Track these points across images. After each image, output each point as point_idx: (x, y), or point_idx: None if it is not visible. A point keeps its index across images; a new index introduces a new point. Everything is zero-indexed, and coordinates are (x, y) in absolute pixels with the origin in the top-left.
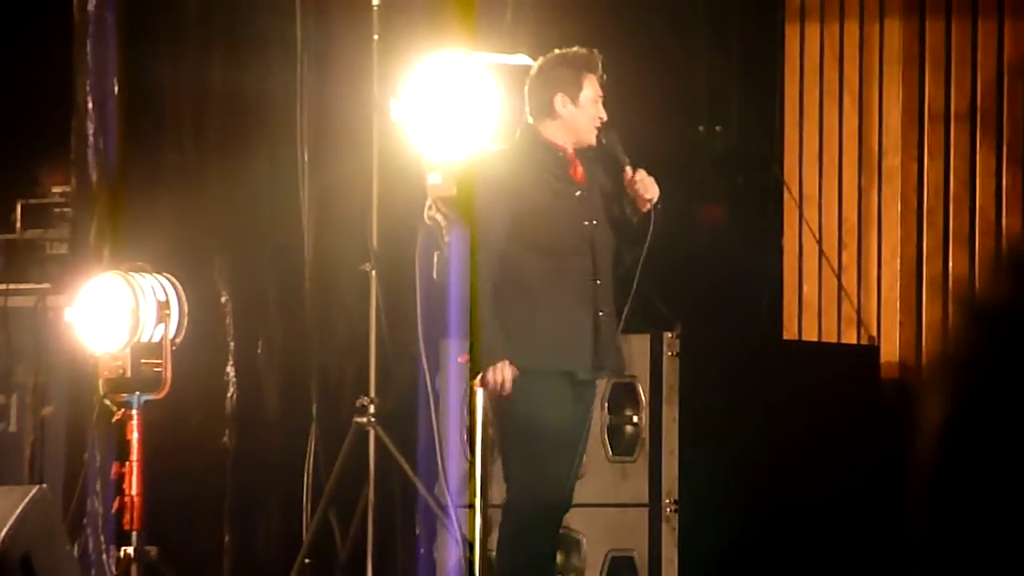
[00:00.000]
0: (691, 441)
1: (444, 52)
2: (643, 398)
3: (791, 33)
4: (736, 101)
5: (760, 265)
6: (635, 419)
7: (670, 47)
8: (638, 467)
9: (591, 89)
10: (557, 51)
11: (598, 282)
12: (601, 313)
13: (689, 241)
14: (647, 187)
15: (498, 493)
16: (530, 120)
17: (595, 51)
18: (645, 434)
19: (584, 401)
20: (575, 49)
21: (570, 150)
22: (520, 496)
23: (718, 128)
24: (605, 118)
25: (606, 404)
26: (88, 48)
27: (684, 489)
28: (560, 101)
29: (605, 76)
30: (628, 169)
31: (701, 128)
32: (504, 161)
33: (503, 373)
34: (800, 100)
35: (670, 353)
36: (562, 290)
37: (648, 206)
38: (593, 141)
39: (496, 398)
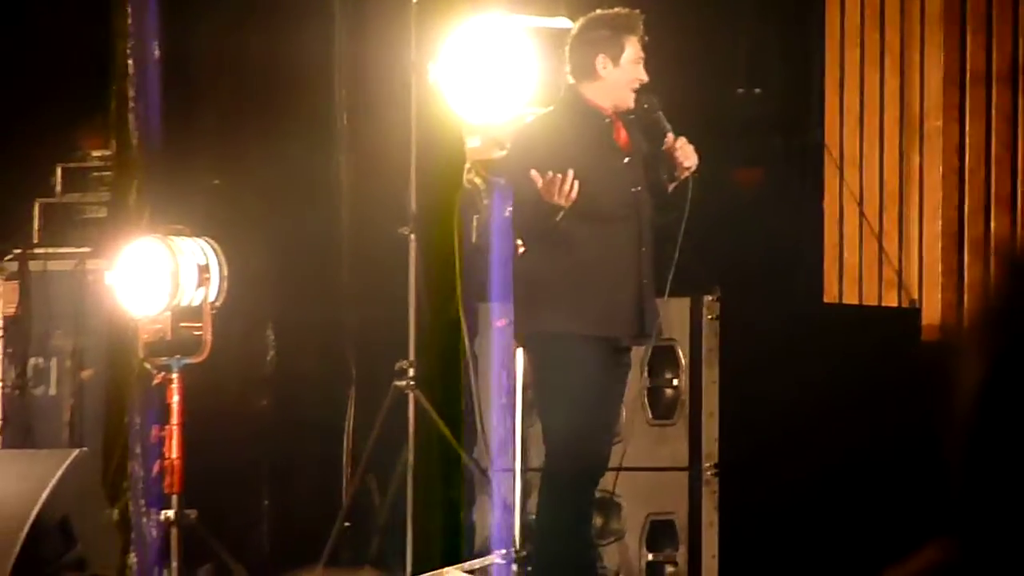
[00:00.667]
0: (731, 404)
1: (483, 15)
2: (683, 361)
3: None
4: (776, 63)
5: (800, 228)
6: (675, 382)
7: (710, 9)
8: (678, 430)
9: (632, 50)
10: (599, 11)
11: (643, 249)
12: (645, 280)
13: (729, 204)
14: (687, 154)
15: (538, 457)
16: (571, 81)
17: (637, 12)
18: (685, 397)
19: (623, 366)
20: (617, 10)
21: (611, 113)
22: (560, 460)
23: (757, 91)
24: (645, 79)
25: (646, 367)
26: (129, 12)
27: (724, 452)
28: (601, 62)
29: (647, 38)
30: (669, 135)
31: (740, 91)
32: (548, 125)
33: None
34: (840, 62)
35: (710, 316)
36: (608, 257)
37: (686, 174)
38: (631, 104)
39: (538, 364)
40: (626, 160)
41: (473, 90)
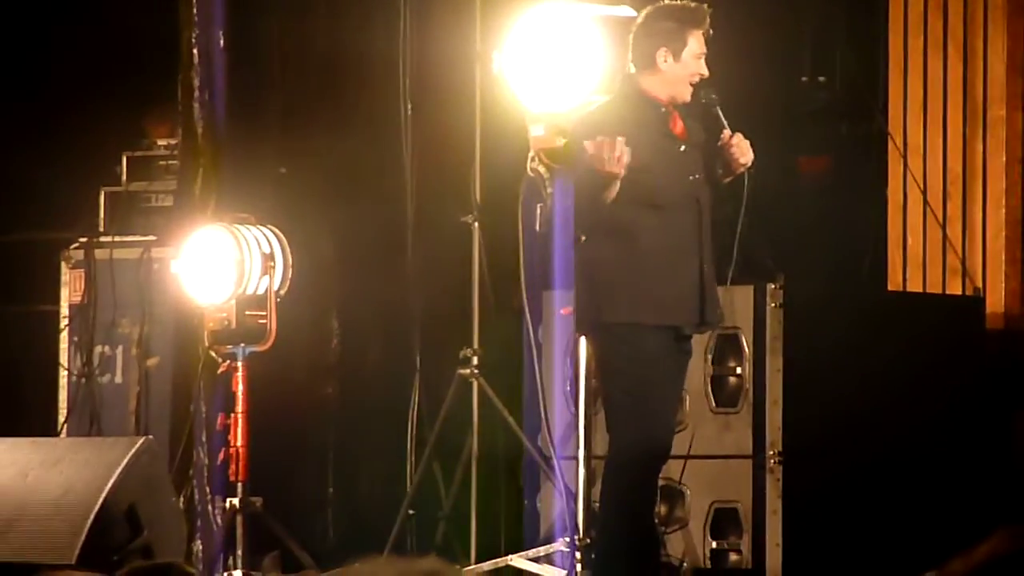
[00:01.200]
0: (795, 392)
1: (547, 3)
2: (746, 349)
3: None
4: (840, 51)
5: (864, 216)
6: (738, 370)
7: None
8: (742, 418)
9: (695, 45)
10: (666, 2)
11: (703, 237)
12: (705, 268)
13: (792, 191)
14: (743, 151)
15: (601, 445)
16: (632, 70)
17: (704, 6)
18: (748, 385)
19: (684, 354)
20: (684, 2)
21: (668, 104)
22: (623, 448)
23: (822, 79)
24: (705, 74)
25: (709, 355)
26: (194, 1)
27: (788, 440)
28: (662, 55)
29: (711, 31)
30: (726, 132)
31: (805, 79)
32: (606, 114)
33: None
34: (904, 50)
35: (773, 304)
36: (669, 245)
37: (741, 170)
38: (688, 98)
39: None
40: (683, 148)
41: (537, 79)
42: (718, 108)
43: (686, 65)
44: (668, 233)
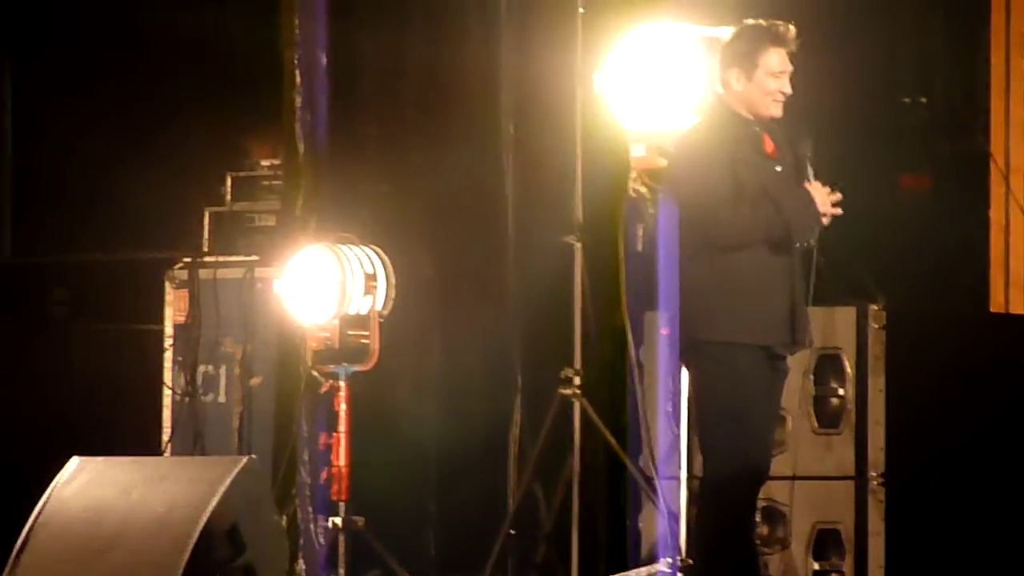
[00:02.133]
0: (897, 413)
1: (649, 23)
2: (848, 370)
3: (997, 1)
4: (941, 71)
5: (966, 236)
6: (840, 391)
7: (876, 19)
8: (844, 439)
9: (770, 63)
10: (745, 23)
11: (795, 257)
12: (797, 288)
13: (894, 212)
14: (822, 201)
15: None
16: (720, 91)
17: (781, 23)
18: (851, 406)
19: (779, 373)
20: (759, 22)
21: (759, 122)
22: (718, 469)
23: (923, 99)
24: (786, 91)
25: (811, 376)
26: (296, 21)
27: (890, 461)
28: (735, 76)
29: (793, 48)
30: (808, 183)
31: (906, 99)
32: (701, 134)
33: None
34: (1006, 71)
35: (876, 325)
36: (763, 265)
37: (825, 221)
38: (773, 113)
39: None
40: (778, 168)
41: (638, 99)
42: (808, 158)
43: (760, 84)
44: (765, 252)
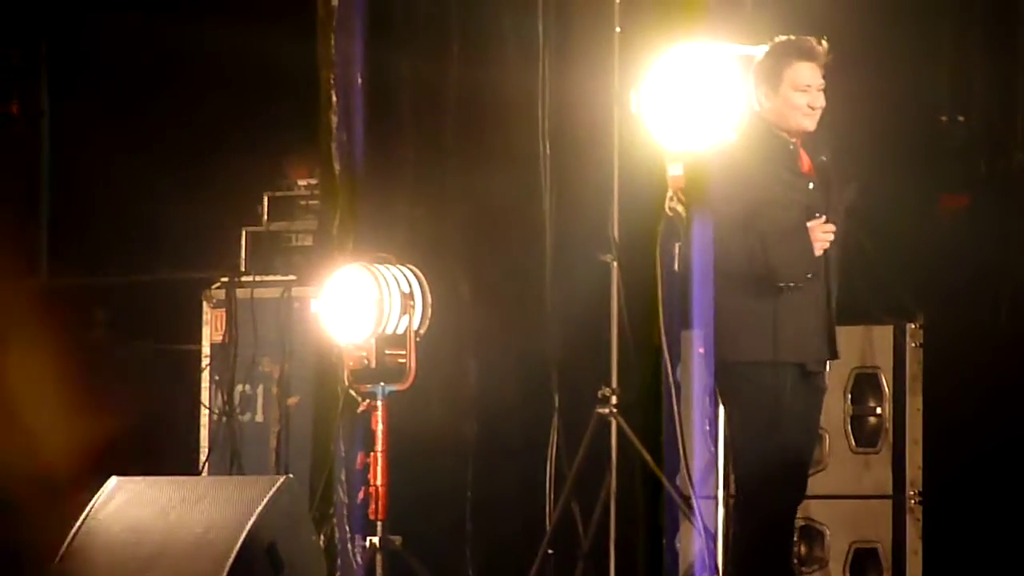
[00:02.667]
0: (935, 432)
1: (685, 43)
2: (886, 389)
3: None
4: (979, 90)
5: (1005, 255)
6: (878, 410)
7: (913, 38)
8: (882, 458)
9: (795, 77)
10: (775, 40)
11: (830, 274)
12: (832, 305)
13: (932, 231)
14: (820, 242)
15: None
16: (756, 108)
17: (807, 38)
18: (888, 425)
19: (815, 391)
20: (785, 38)
21: (796, 140)
22: (757, 488)
23: (961, 118)
24: (816, 105)
25: (848, 395)
26: (333, 42)
27: (928, 480)
28: (764, 92)
29: (824, 62)
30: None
31: (944, 118)
32: (736, 150)
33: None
34: None
35: (913, 344)
36: (797, 289)
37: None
38: (804, 127)
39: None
40: (811, 186)
41: (675, 118)
42: (845, 203)
43: (786, 97)
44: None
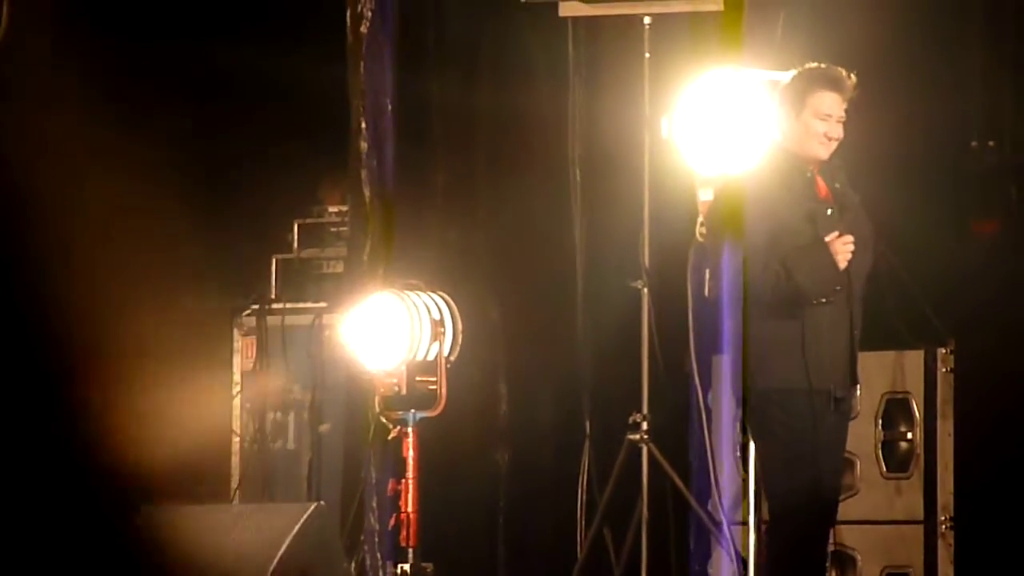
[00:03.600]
0: (966, 457)
1: (715, 69)
2: (917, 414)
3: None
4: (1009, 115)
5: None
6: (909, 435)
7: (943, 64)
8: (913, 483)
9: (818, 105)
10: (806, 65)
11: (853, 299)
12: (855, 331)
13: (963, 256)
14: (843, 254)
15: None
16: (776, 133)
17: (830, 67)
18: (920, 450)
19: (843, 416)
20: (814, 65)
21: (810, 166)
22: (787, 514)
23: (991, 143)
24: (833, 135)
25: (879, 420)
26: (362, 69)
27: (960, 505)
28: (784, 115)
29: (850, 95)
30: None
31: (974, 143)
32: (754, 176)
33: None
34: None
35: (944, 369)
36: (821, 308)
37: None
38: (818, 155)
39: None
40: (828, 212)
41: (706, 144)
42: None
43: (806, 124)
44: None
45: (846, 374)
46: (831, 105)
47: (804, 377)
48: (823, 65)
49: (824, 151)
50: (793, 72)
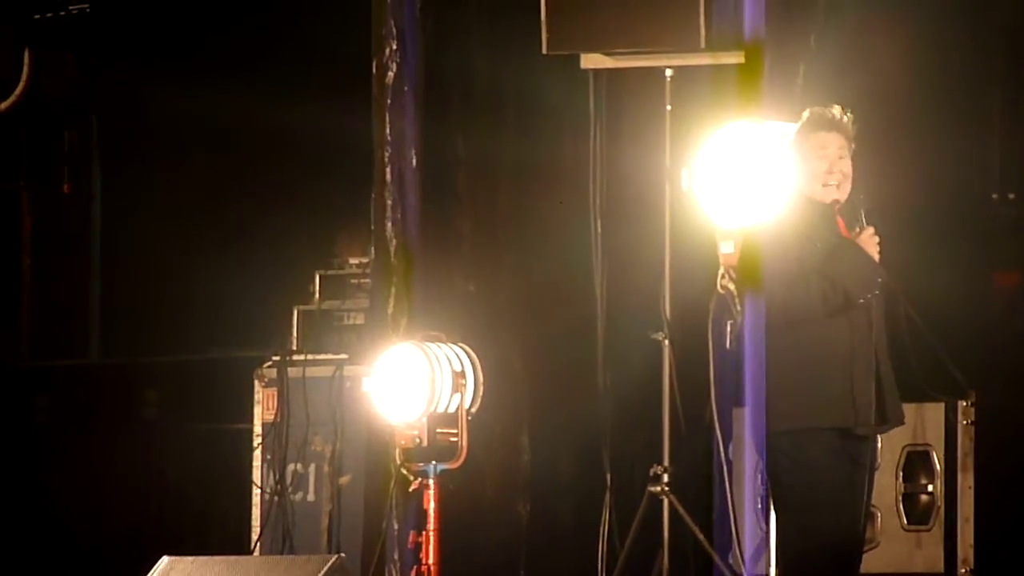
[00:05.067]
0: (987, 510)
1: (736, 121)
2: (938, 466)
3: None
4: None
5: None
6: (930, 487)
7: (963, 116)
8: (933, 536)
9: (817, 146)
10: (806, 111)
11: (875, 335)
12: (881, 368)
13: (986, 308)
14: (874, 250)
15: None
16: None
17: (834, 108)
18: (940, 502)
19: (862, 457)
20: (811, 109)
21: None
22: (804, 566)
23: (1011, 195)
24: (837, 171)
25: (900, 472)
26: (387, 121)
27: (980, 558)
28: (794, 159)
29: (848, 133)
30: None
31: (995, 195)
32: (782, 223)
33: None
34: None
35: (965, 421)
36: (842, 345)
37: None
38: (834, 196)
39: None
40: None
41: (727, 196)
42: (862, 211)
43: (810, 167)
44: (840, 333)
45: (871, 410)
46: (828, 143)
47: (822, 416)
48: (818, 108)
49: (836, 191)
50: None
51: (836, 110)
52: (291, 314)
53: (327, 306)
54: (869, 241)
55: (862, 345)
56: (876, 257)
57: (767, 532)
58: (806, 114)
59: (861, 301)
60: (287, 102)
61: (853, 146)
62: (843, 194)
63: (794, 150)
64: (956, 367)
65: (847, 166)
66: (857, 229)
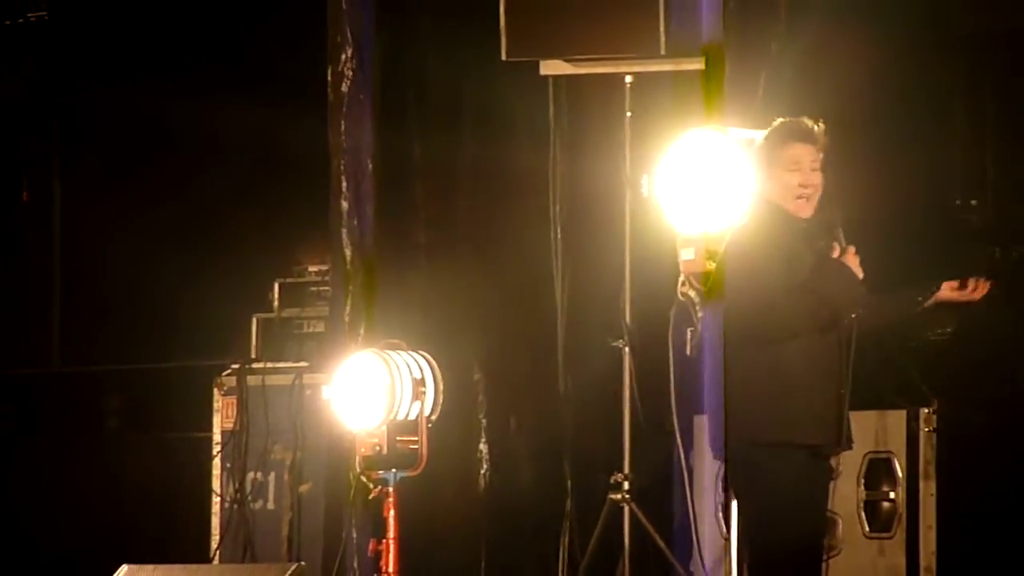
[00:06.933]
0: (949, 517)
1: (696, 128)
2: (900, 473)
3: None
4: (992, 173)
5: (1019, 340)
6: (892, 495)
7: (926, 122)
8: (895, 543)
9: (787, 159)
10: (776, 121)
11: (844, 355)
12: (843, 390)
13: (946, 315)
14: (857, 268)
15: None
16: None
17: (805, 119)
18: (902, 510)
19: (825, 476)
20: (781, 120)
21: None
22: (765, 571)
23: (974, 202)
24: (810, 184)
25: (862, 480)
26: (343, 128)
27: (942, 566)
28: (763, 176)
29: (820, 144)
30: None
31: (957, 202)
32: (752, 234)
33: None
34: None
35: (927, 428)
36: (814, 364)
37: None
38: (798, 212)
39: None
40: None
41: (687, 202)
42: (839, 229)
43: (781, 180)
44: (812, 351)
45: (835, 432)
46: (801, 156)
47: (794, 433)
48: (790, 119)
49: (804, 207)
50: (767, 131)
51: (808, 121)
52: (250, 322)
53: (287, 314)
54: (853, 260)
55: (837, 364)
56: (860, 275)
57: (728, 540)
58: (777, 123)
59: (853, 316)
60: (246, 109)
61: (822, 156)
62: (813, 207)
63: (763, 160)
64: (918, 375)
65: (818, 179)
66: (838, 248)
